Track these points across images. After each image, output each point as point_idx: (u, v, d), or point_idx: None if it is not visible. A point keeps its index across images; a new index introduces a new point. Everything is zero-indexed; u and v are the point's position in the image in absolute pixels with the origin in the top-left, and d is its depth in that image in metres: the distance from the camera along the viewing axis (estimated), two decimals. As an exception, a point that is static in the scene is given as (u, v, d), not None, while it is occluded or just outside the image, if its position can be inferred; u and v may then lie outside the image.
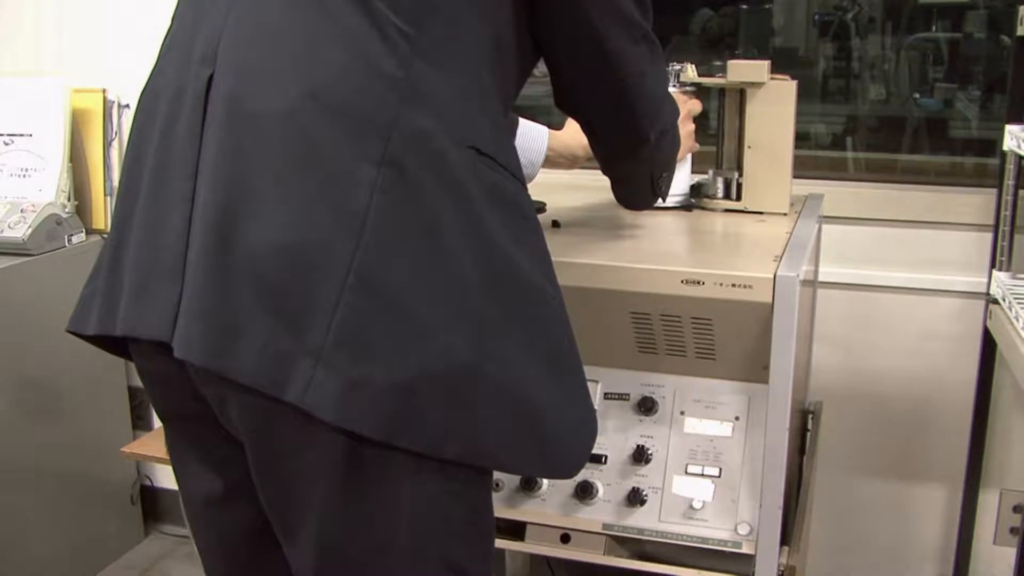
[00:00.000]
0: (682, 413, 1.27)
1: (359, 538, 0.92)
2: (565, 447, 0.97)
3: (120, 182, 0.99)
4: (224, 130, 0.87)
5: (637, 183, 1.23)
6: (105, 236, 1.05)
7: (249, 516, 1.00)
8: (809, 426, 1.58)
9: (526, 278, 0.93)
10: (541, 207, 1.44)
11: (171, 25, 0.99)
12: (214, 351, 0.85)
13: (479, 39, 0.93)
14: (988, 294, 1.71)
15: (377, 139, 0.85)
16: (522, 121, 1.34)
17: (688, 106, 1.44)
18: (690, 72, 1.48)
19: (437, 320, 0.86)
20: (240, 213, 0.85)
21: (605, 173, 1.23)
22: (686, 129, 1.43)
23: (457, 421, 0.87)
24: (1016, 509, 1.88)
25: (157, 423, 2.22)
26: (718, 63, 1.48)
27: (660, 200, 1.28)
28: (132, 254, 0.93)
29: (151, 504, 2.48)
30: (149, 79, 0.98)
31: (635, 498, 1.24)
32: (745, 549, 1.20)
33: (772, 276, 1.13)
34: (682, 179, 1.52)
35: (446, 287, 0.86)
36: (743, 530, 1.20)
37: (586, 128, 1.15)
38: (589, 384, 1.14)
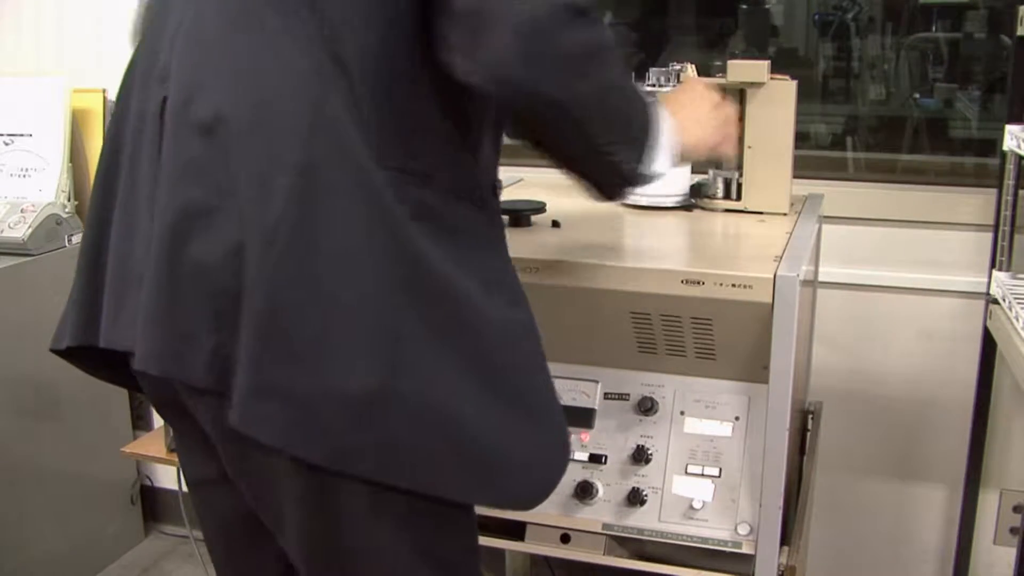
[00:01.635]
0: (682, 413, 1.27)
1: (328, 543, 0.94)
2: (513, 477, 0.95)
3: (92, 199, 1.01)
4: (171, 145, 0.90)
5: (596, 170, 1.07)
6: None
7: (245, 499, 1.01)
8: (809, 426, 1.58)
9: (461, 300, 0.91)
10: (541, 207, 1.44)
11: (138, 41, 1.01)
12: (171, 358, 0.88)
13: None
14: (988, 294, 1.71)
15: (295, 150, 0.85)
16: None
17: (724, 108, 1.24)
18: (690, 72, 1.48)
19: (340, 335, 0.85)
20: (188, 225, 0.87)
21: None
22: (721, 118, 1.21)
23: (365, 438, 0.87)
24: (1016, 509, 1.88)
25: (157, 423, 2.23)
26: (718, 63, 1.48)
27: (634, 184, 1.06)
28: (108, 272, 0.96)
29: (151, 504, 2.48)
30: (118, 96, 1.00)
31: (635, 498, 1.24)
32: (745, 549, 1.20)
33: (772, 276, 1.13)
34: (682, 179, 1.52)
35: (353, 303, 0.86)
36: (743, 530, 1.20)
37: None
38: (589, 384, 1.15)
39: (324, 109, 0.85)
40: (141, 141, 0.93)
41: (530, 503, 0.98)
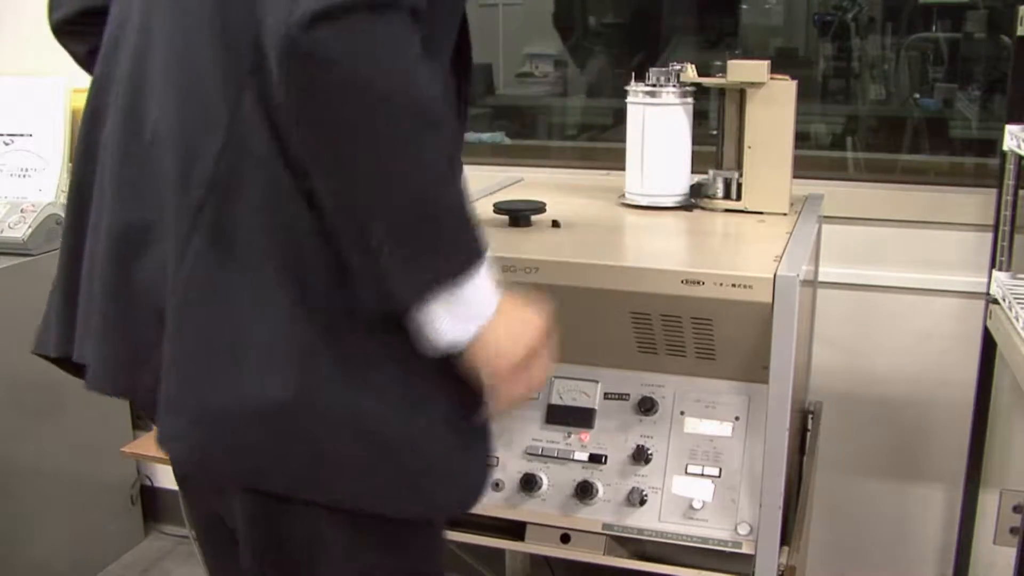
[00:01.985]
0: (682, 413, 1.27)
1: (273, 556, 0.94)
2: (429, 489, 0.91)
3: (67, 205, 1.02)
4: (120, 162, 0.91)
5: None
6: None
7: None
8: (809, 426, 1.58)
9: (367, 315, 0.86)
10: (541, 207, 1.44)
11: (102, 49, 1.00)
12: (118, 377, 0.91)
13: None
14: (988, 294, 1.71)
15: (207, 163, 0.84)
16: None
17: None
18: (690, 72, 1.48)
19: (249, 352, 0.84)
20: (130, 243, 0.89)
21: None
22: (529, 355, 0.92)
23: (276, 455, 0.85)
24: (1016, 509, 1.88)
25: (157, 423, 2.22)
26: (718, 63, 1.48)
27: (390, 298, 0.83)
28: (82, 285, 0.97)
29: (151, 504, 2.48)
30: (86, 105, 1.01)
31: (635, 498, 1.24)
32: (745, 549, 1.20)
33: (772, 276, 1.13)
34: (682, 179, 1.52)
35: (262, 319, 0.84)
36: (743, 530, 1.20)
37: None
38: (589, 384, 1.14)
39: (237, 119, 0.83)
40: (106, 157, 0.95)
41: (443, 510, 0.96)
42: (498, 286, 0.87)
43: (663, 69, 1.47)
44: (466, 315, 0.85)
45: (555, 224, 1.40)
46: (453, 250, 0.82)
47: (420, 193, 0.79)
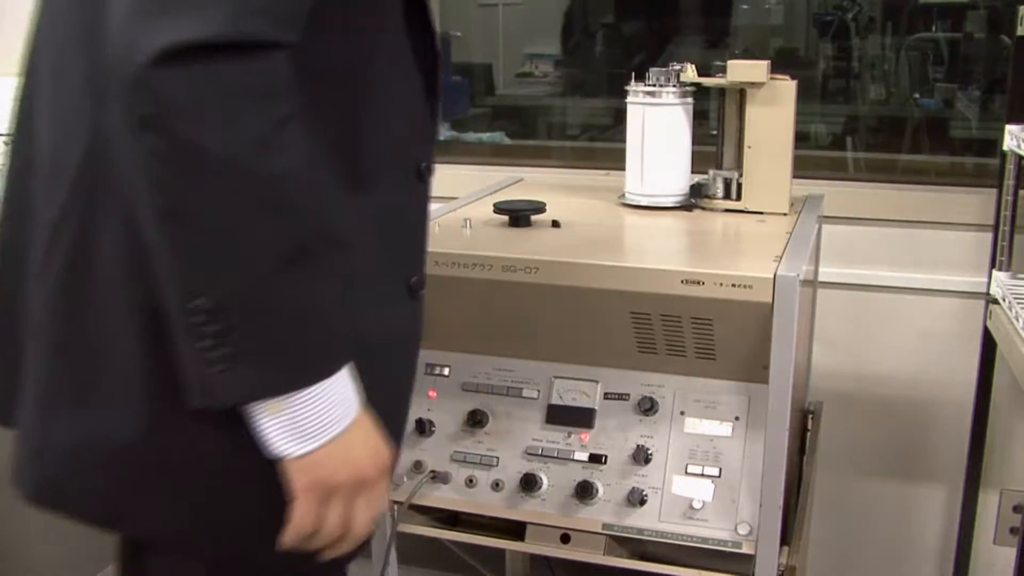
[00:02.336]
0: (682, 413, 1.27)
1: None
2: (266, 543, 0.79)
3: None
4: (8, 187, 0.90)
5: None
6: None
7: None
8: (809, 426, 1.58)
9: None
10: (541, 207, 1.44)
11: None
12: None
13: None
14: (988, 294, 1.71)
15: (61, 189, 0.80)
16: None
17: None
18: (690, 72, 1.48)
19: (98, 387, 0.78)
20: (11, 265, 0.87)
21: None
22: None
23: (125, 498, 0.79)
24: (1016, 509, 1.88)
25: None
26: (718, 63, 1.48)
27: (209, 393, 0.72)
28: None
29: (151, 504, 2.48)
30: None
31: (635, 498, 1.24)
32: (745, 549, 1.20)
33: (772, 276, 1.13)
34: (682, 179, 1.52)
35: (112, 354, 0.78)
36: (743, 530, 1.20)
37: None
38: (589, 384, 1.13)
39: (99, 127, 0.76)
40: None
41: (323, 566, 0.86)
42: (355, 404, 0.76)
43: (663, 69, 1.47)
44: (296, 433, 0.72)
45: (555, 224, 1.40)
46: (284, 359, 0.70)
47: (250, 283, 0.68)
